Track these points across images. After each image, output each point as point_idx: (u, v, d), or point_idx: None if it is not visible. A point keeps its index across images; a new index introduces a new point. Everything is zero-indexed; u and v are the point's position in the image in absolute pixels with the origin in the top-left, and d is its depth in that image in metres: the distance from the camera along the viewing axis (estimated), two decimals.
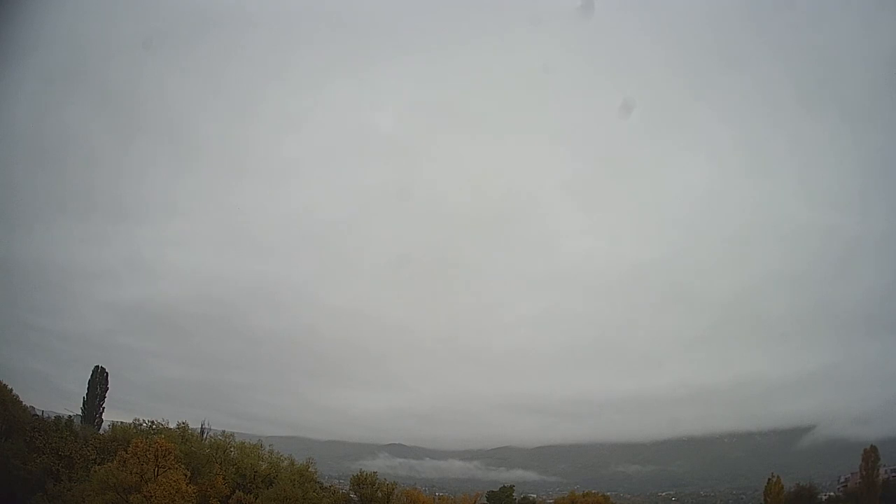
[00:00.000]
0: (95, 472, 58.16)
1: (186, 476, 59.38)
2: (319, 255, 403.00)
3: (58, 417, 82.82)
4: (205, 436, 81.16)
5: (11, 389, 77.93)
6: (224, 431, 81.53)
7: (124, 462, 57.27)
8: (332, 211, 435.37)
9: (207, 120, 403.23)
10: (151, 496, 55.79)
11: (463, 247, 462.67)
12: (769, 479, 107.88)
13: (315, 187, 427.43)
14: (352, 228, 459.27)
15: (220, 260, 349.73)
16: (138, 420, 76.79)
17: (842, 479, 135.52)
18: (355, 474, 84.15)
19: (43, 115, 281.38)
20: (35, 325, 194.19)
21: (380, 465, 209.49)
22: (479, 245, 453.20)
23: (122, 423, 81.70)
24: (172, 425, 75.99)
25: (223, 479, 66.96)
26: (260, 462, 76.15)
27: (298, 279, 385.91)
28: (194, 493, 59.82)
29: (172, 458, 59.29)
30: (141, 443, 58.98)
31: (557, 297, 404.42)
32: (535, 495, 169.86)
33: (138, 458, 57.24)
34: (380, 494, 79.21)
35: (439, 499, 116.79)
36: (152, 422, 75.59)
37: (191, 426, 79.97)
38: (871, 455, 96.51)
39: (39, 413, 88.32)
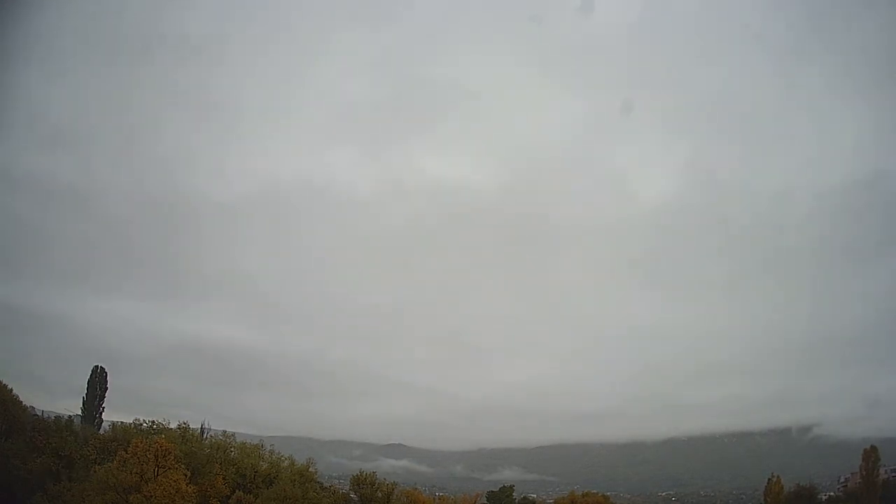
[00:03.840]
0: (95, 472, 57.95)
1: (186, 476, 59.12)
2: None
3: (58, 417, 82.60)
4: (205, 436, 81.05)
5: (11, 389, 77.66)
6: (225, 431, 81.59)
7: (124, 462, 57.06)
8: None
9: None
10: (151, 496, 55.62)
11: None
12: (769, 479, 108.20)
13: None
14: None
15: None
16: (138, 420, 76.35)
17: (842, 479, 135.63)
18: (355, 474, 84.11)
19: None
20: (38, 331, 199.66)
21: (380, 465, 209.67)
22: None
23: (122, 423, 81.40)
24: (173, 425, 75.82)
25: (223, 479, 66.68)
26: (260, 462, 75.87)
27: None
28: (194, 493, 59.63)
29: (172, 458, 59.02)
30: (141, 443, 58.69)
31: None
32: (534, 495, 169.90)
33: (138, 458, 57.00)
34: (379, 494, 79.05)
35: (439, 499, 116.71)
36: (153, 422, 75.13)
37: (191, 426, 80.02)
38: (871, 455, 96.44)
39: (39, 413, 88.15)
